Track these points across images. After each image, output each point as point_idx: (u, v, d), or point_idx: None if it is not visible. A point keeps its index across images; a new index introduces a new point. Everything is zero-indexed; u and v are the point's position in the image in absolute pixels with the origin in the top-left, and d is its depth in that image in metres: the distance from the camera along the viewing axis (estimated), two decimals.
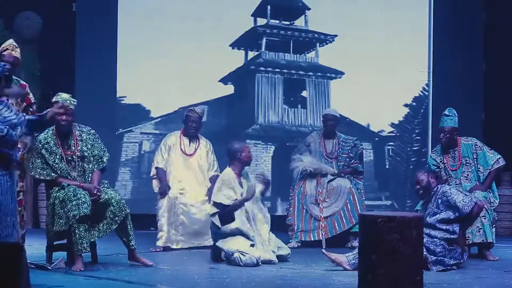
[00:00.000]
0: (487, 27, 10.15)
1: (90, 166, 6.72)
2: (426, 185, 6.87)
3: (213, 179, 8.21)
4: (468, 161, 7.63)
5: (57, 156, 6.60)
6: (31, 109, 6.67)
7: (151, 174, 8.36)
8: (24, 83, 6.72)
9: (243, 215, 7.03)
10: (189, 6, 10.13)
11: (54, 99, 6.56)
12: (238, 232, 6.93)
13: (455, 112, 7.63)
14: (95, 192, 6.52)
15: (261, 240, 7.00)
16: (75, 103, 6.70)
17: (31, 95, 6.73)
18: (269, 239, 7.09)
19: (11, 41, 6.70)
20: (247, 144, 9.65)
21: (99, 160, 6.77)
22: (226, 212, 6.97)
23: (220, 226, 6.95)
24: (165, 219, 8.00)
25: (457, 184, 7.51)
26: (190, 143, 8.32)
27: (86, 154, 6.71)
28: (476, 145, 7.67)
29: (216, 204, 7.02)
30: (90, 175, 6.71)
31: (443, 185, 6.99)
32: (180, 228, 8.04)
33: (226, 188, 7.03)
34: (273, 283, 6.05)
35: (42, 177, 6.61)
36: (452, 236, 6.73)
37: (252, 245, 6.88)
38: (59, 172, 6.58)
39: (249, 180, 7.29)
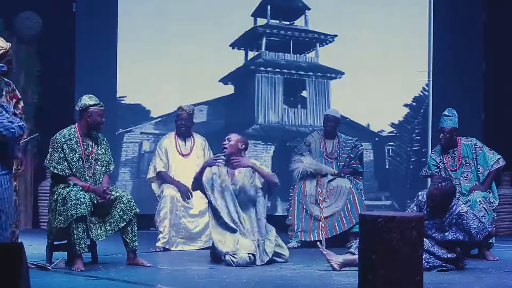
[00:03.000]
0: (487, 27, 10.15)
1: (103, 169, 6.84)
2: (443, 207, 6.60)
3: None
4: (467, 162, 7.64)
5: (76, 155, 6.68)
6: (19, 111, 6.64)
7: (148, 177, 8.34)
8: (8, 80, 6.65)
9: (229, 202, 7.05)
10: (189, 6, 10.14)
11: (89, 103, 6.70)
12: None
13: (455, 112, 7.64)
14: (104, 190, 6.59)
15: (245, 231, 6.97)
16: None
17: (17, 92, 6.68)
18: (259, 234, 7.03)
19: (2, 39, 6.65)
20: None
21: (107, 167, 6.88)
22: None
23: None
24: (168, 221, 7.99)
25: (456, 184, 7.51)
26: (185, 143, 8.32)
27: (100, 157, 6.81)
28: (476, 145, 7.67)
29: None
30: (100, 177, 6.79)
31: (459, 203, 6.73)
32: (182, 231, 8.04)
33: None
34: (273, 283, 6.05)
35: (55, 171, 6.63)
36: (449, 255, 6.59)
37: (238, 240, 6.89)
38: (73, 170, 6.65)
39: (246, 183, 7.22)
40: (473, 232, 6.56)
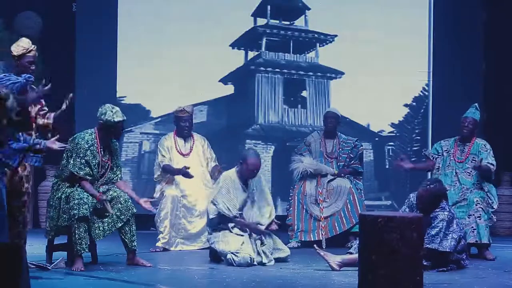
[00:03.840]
0: (487, 27, 10.15)
1: (111, 175, 6.82)
2: (431, 207, 6.61)
3: (213, 171, 8.21)
4: (474, 159, 7.69)
5: (96, 160, 6.66)
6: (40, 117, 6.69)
7: (155, 177, 8.32)
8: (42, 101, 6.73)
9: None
10: (189, 6, 10.14)
11: (114, 120, 6.63)
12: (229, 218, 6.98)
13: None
14: (109, 209, 6.57)
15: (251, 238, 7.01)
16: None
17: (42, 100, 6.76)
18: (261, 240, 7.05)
19: (28, 40, 6.68)
20: (247, 143, 9.69)
21: (118, 174, 6.87)
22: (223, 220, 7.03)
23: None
24: (168, 221, 7.99)
25: (454, 175, 7.58)
26: (185, 143, 8.32)
27: (113, 164, 6.84)
28: (485, 146, 7.73)
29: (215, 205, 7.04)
30: (110, 182, 6.79)
31: (446, 208, 6.68)
32: (181, 231, 8.04)
33: (225, 192, 7.02)
34: (273, 283, 6.05)
35: (81, 173, 6.56)
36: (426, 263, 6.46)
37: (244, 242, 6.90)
38: (96, 176, 6.66)
39: (260, 184, 7.25)
40: (430, 232, 6.51)
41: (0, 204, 5.47)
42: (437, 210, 6.61)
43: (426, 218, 6.52)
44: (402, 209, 6.92)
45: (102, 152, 6.72)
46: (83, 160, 6.59)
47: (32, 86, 6.50)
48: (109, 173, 6.78)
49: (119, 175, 6.89)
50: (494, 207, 7.55)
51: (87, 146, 6.62)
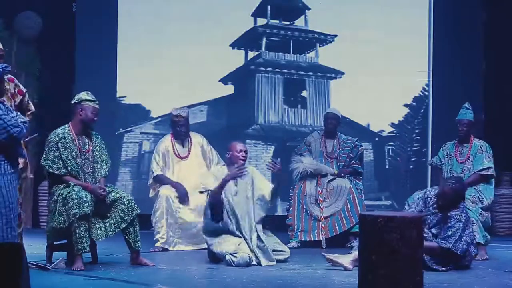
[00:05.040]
0: (487, 27, 10.15)
1: (98, 166, 6.78)
2: (453, 205, 6.62)
3: None
4: (471, 160, 7.69)
5: (72, 153, 6.64)
6: (25, 106, 6.66)
7: (149, 184, 8.32)
8: (11, 76, 6.65)
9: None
10: (189, 6, 10.14)
11: (85, 98, 6.74)
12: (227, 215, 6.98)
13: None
14: (100, 191, 6.56)
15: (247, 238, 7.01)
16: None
17: (21, 86, 6.70)
18: (259, 238, 7.04)
19: None
20: (247, 143, 9.68)
21: (104, 168, 6.83)
22: (214, 196, 7.01)
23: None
24: (164, 221, 7.99)
25: (453, 174, 7.60)
26: (183, 146, 8.32)
27: (97, 154, 6.80)
28: (482, 147, 7.72)
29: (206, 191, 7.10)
30: (99, 174, 6.76)
31: (463, 209, 6.69)
32: (179, 230, 8.04)
33: (212, 177, 7.09)
34: (273, 283, 6.04)
35: (51, 170, 6.60)
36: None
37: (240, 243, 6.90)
38: (69, 168, 6.61)
39: (255, 181, 7.28)
40: (448, 233, 6.52)
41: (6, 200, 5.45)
42: (455, 210, 6.61)
43: (443, 215, 6.56)
44: (416, 203, 6.87)
45: (80, 143, 6.70)
46: (57, 154, 6.59)
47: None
48: (95, 164, 6.75)
49: (105, 169, 6.83)
50: (484, 203, 7.51)
51: (57, 139, 6.62)
